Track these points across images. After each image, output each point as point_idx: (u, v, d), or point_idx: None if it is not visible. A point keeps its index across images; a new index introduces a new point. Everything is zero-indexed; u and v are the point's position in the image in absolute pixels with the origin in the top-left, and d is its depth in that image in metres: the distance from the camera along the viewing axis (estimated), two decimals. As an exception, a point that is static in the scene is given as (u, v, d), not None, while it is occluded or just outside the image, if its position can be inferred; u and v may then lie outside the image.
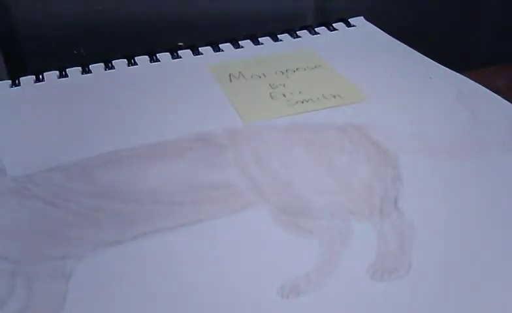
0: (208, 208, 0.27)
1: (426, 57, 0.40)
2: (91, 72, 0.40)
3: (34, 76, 0.39)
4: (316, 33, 0.45)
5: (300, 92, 0.36)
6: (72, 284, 0.23)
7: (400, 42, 0.43)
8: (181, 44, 0.44)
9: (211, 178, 0.29)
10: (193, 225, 0.26)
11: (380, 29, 0.46)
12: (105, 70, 0.40)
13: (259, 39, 0.44)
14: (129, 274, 0.24)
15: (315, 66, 0.40)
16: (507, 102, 0.35)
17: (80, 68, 0.40)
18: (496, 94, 0.35)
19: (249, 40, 0.44)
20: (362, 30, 0.46)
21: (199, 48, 0.43)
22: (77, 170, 0.30)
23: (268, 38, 0.45)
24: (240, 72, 0.39)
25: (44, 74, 0.39)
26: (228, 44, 0.44)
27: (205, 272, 0.24)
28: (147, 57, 0.42)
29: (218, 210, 0.27)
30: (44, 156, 0.31)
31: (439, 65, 0.39)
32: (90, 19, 0.46)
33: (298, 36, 0.45)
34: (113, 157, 0.30)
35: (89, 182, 0.29)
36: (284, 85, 0.38)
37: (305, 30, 0.46)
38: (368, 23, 0.47)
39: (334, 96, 0.36)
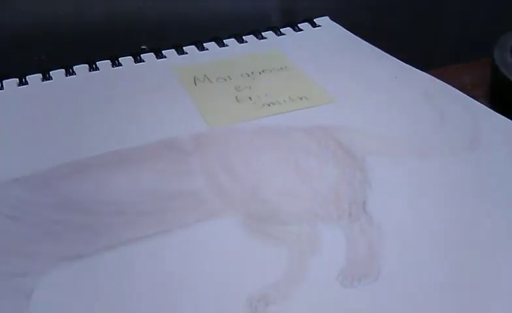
0: (173, 217, 0.26)
1: (392, 56, 0.40)
2: (51, 79, 0.39)
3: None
4: (281, 34, 0.45)
5: (266, 95, 0.36)
6: (34, 301, 0.22)
7: (365, 42, 0.43)
8: (144, 47, 0.43)
9: (176, 186, 0.28)
10: (158, 236, 0.25)
11: (345, 28, 0.46)
12: (66, 76, 0.39)
13: (224, 41, 0.44)
14: (92, 290, 0.23)
15: (281, 68, 0.40)
16: (472, 99, 0.35)
17: (40, 74, 0.39)
18: (461, 92, 0.35)
19: (213, 42, 0.43)
20: (327, 30, 0.46)
21: (163, 51, 0.42)
22: (37, 181, 0.29)
23: (233, 39, 0.44)
24: (205, 75, 0.39)
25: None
26: (193, 46, 0.43)
27: (171, 284, 0.23)
28: (109, 61, 0.41)
29: (184, 219, 0.26)
30: (1, 168, 0.29)
31: (405, 64, 0.39)
32: (49, 22, 0.44)
33: (263, 37, 0.44)
34: (74, 166, 0.29)
35: (50, 194, 0.28)
36: (250, 87, 0.37)
37: (270, 31, 0.45)
38: (333, 22, 0.47)
39: (301, 98, 0.35)
